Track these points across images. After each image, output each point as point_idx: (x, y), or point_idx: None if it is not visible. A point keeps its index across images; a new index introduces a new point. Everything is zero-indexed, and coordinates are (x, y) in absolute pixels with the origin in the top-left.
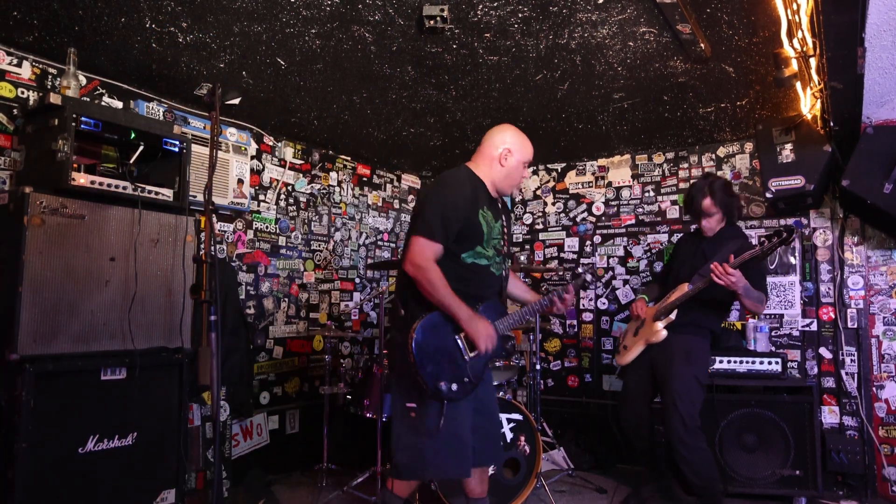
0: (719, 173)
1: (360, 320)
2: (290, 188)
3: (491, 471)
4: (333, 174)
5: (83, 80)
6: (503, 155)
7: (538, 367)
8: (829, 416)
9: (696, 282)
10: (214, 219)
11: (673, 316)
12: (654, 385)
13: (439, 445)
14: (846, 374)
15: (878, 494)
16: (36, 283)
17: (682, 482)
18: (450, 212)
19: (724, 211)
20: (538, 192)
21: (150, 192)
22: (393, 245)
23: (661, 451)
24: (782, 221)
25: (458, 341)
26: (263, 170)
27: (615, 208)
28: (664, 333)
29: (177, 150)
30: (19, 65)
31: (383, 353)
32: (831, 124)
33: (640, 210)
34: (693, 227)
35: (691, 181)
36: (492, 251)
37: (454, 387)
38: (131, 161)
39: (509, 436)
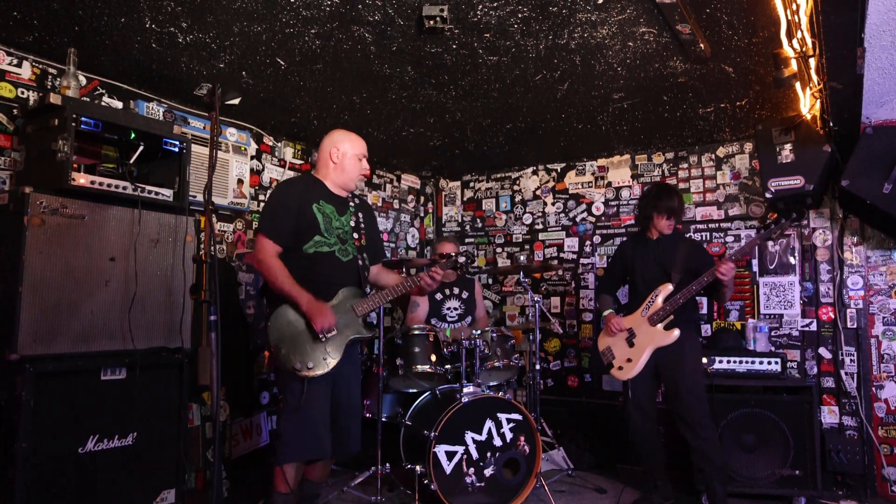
0: (719, 174)
1: None
2: None
3: (491, 471)
4: None
5: (83, 81)
6: (332, 153)
7: (538, 367)
8: (829, 416)
9: (703, 280)
10: (214, 219)
11: (672, 316)
12: (657, 385)
13: (295, 426)
14: (846, 374)
15: (877, 494)
16: (36, 283)
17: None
18: (280, 209)
19: None
20: (538, 193)
21: (149, 192)
22: (393, 245)
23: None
24: (783, 221)
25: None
26: (263, 170)
27: (615, 208)
28: (677, 333)
29: (177, 150)
30: (19, 65)
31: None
32: (831, 124)
33: None
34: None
35: (691, 180)
36: (334, 239)
37: (310, 364)
38: (131, 161)
39: (509, 436)
